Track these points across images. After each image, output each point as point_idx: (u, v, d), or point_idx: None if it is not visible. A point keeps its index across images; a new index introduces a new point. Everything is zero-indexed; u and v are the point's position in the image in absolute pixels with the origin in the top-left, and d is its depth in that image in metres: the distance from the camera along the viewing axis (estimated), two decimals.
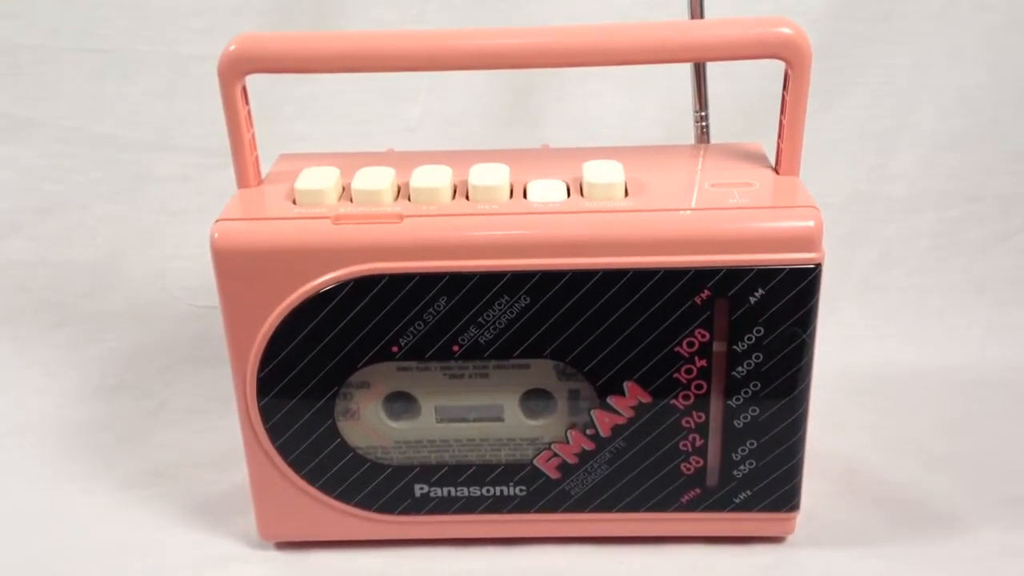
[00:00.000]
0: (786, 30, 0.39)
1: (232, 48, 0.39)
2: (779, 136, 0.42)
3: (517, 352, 0.40)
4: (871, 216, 0.66)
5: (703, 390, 0.40)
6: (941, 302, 0.65)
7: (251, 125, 0.41)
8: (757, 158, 0.44)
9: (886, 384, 0.58)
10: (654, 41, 0.40)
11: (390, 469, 0.43)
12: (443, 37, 0.40)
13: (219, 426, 0.54)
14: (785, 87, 0.41)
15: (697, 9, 0.46)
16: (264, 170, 0.44)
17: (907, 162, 0.66)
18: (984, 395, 0.56)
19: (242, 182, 0.42)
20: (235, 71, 0.39)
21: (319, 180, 0.41)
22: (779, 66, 0.40)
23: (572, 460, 0.42)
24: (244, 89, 0.40)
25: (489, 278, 0.38)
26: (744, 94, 0.61)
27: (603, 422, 0.41)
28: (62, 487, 0.50)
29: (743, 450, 0.41)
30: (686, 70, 0.47)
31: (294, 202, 0.40)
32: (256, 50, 0.39)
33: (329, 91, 0.66)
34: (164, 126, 0.66)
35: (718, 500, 0.42)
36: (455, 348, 0.40)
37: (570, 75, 0.65)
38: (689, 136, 0.49)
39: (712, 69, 0.48)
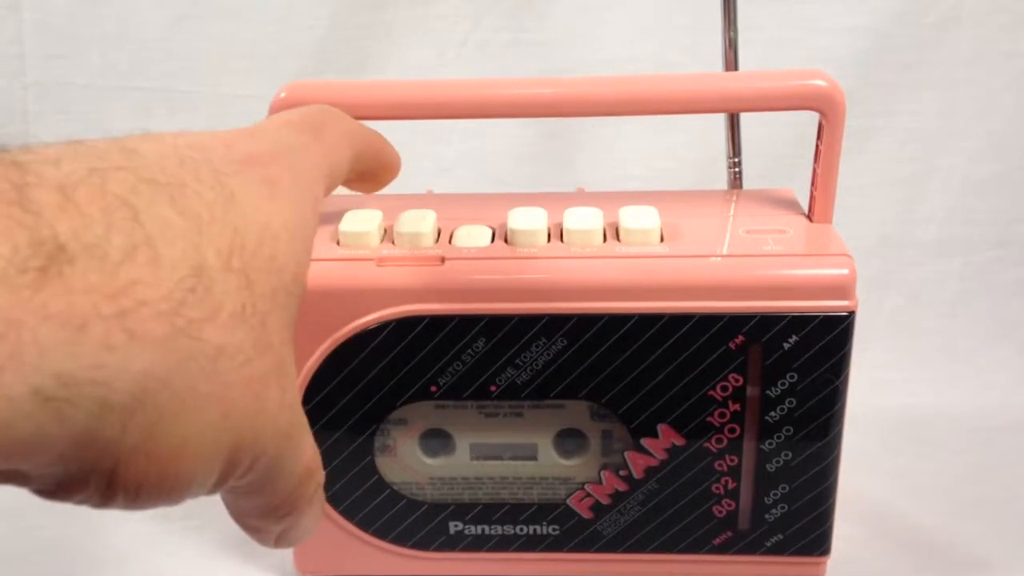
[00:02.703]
0: (821, 83, 0.40)
1: (283, 95, 0.40)
2: (812, 184, 0.43)
3: (553, 393, 0.41)
4: (900, 260, 0.67)
5: (736, 434, 0.41)
6: (969, 345, 0.65)
7: None
8: (790, 205, 0.45)
9: (914, 427, 0.58)
10: (692, 93, 0.41)
11: (425, 506, 0.43)
12: (484, 87, 0.41)
13: None
14: (819, 137, 0.41)
15: (731, 59, 0.47)
16: None
17: (935, 207, 0.67)
18: (1013, 439, 0.57)
19: None
20: None
21: (363, 222, 0.42)
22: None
23: (605, 501, 0.43)
24: None
25: (527, 321, 0.39)
26: (775, 137, 0.62)
27: (636, 463, 0.42)
28: (98, 518, 0.51)
29: (775, 494, 0.41)
30: (717, 114, 0.48)
31: (338, 243, 0.41)
32: (305, 97, 0.40)
33: None
34: None
35: (750, 543, 0.43)
36: (492, 388, 0.41)
37: (602, 117, 0.66)
38: (720, 177, 0.49)
39: (745, 114, 0.49)
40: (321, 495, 0.27)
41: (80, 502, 0.20)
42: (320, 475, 0.26)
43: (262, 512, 0.25)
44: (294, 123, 0.29)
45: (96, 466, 0.19)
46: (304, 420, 0.25)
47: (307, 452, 0.25)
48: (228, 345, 0.21)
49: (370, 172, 0.36)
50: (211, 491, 0.22)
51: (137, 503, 0.20)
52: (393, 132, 0.68)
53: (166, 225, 0.20)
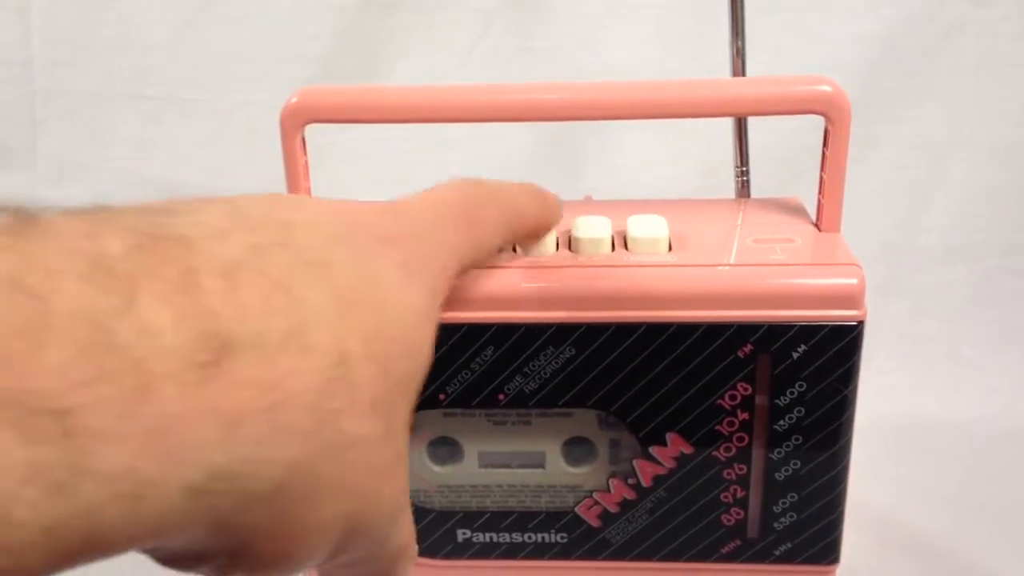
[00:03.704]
0: (826, 88, 0.40)
1: (294, 100, 0.41)
2: (819, 191, 0.43)
3: (561, 402, 0.41)
4: (905, 267, 0.67)
5: (745, 442, 0.41)
6: (974, 352, 0.65)
7: (308, 175, 0.43)
8: (798, 213, 0.45)
9: (920, 434, 0.58)
10: (698, 97, 0.41)
11: (433, 514, 0.43)
12: (493, 92, 0.41)
13: None
14: (825, 143, 0.42)
15: (739, 68, 0.48)
16: None
17: (941, 214, 0.67)
18: (1018, 446, 0.57)
19: None
20: (296, 122, 0.41)
21: None
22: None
23: (613, 509, 0.43)
24: (303, 140, 0.42)
25: (535, 329, 0.39)
26: (782, 144, 0.62)
27: (645, 472, 0.42)
28: None
29: (784, 503, 0.42)
30: (723, 118, 0.49)
31: None
32: (317, 103, 0.41)
33: (372, 136, 0.67)
34: (213, 170, 0.67)
35: (758, 552, 0.43)
36: (501, 397, 0.41)
37: (608, 122, 0.67)
38: (727, 182, 0.50)
39: (752, 119, 0.49)
40: (411, 570, 0.26)
41: (196, 572, 0.20)
42: (413, 552, 0.26)
43: None
44: (452, 207, 0.29)
45: (225, 546, 0.19)
46: (407, 500, 0.25)
47: (406, 530, 0.25)
48: (362, 435, 0.20)
49: (525, 238, 0.37)
50: (318, 565, 0.22)
51: None
52: (400, 137, 0.68)
53: (317, 309, 0.20)
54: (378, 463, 0.21)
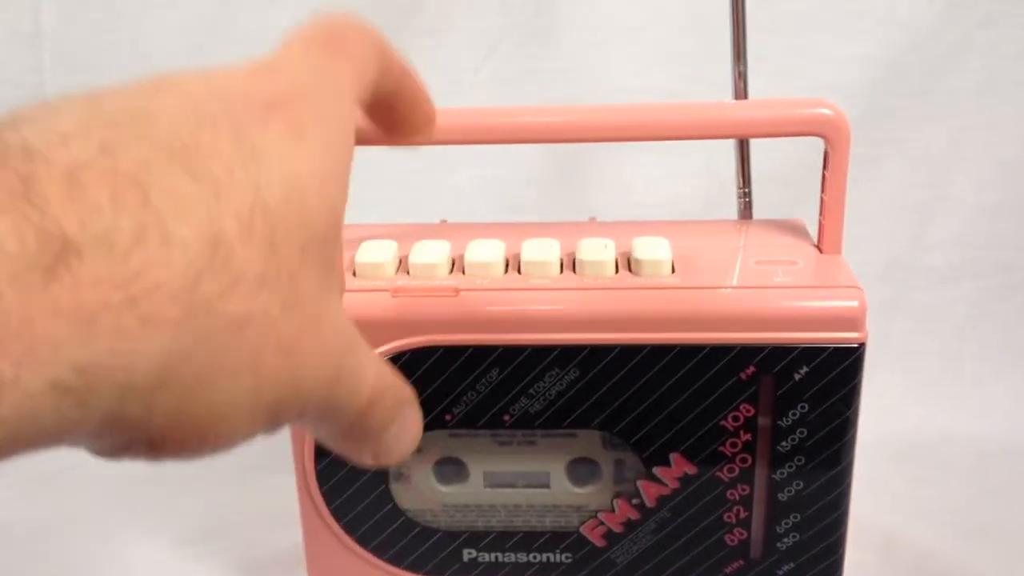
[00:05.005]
0: (826, 111, 0.41)
1: None
2: (820, 213, 0.43)
3: (566, 423, 0.41)
4: (908, 285, 0.67)
5: (748, 463, 0.41)
6: (977, 370, 0.65)
7: None
8: (800, 235, 0.45)
9: (923, 452, 0.59)
10: (699, 120, 0.42)
11: (440, 534, 0.44)
12: (501, 115, 0.42)
13: (274, 485, 0.55)
14: (825, 165, 0.42)
15: (741, 90, 0.48)
16: None
17: (943, 232, 0.67)
18: (1021, 463, 0.57)
19: None
20: None
21: (378, 253, 0.42)
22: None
23: (618, 529, 0.43)
24: None
25: (540, 351, 0.40)
26: (784, 164, 0.63)
27: (649, 492, 0.42)
28: (118, 538, 0.51)
29: (787, 523, 0.42)
30: (725, 140, 0.49)
31: (354, 274, 0.42)
32: None
33: (380, 156, 0.68)
34: None
35: (762, 572, 0.43)
36: (506, 417, 0.41)
37: (612, 144, 0.67)
38: (728, 202, 0.50)
39: (755, 144, 0.49)
40: (403, 413, 0.26)
41: (135, 460, 0.21)
42: (389, 398, 0.25)
43: (335, 440, 0.26)
44: (315, 41, 0.27)
45: (132, 437, 0.20)
46: (359, 357, 0.25)
47: (365, 384, 0.25)
48: (252, 313, 0.20)
49: (400, 105, 0.32)
50: (267, 435, 0.23)
51: (184, 458, 0.21)
52: (407, 156, 0.68)
53: (179, 199, 0.20)
54: (281, 336, 0.21)
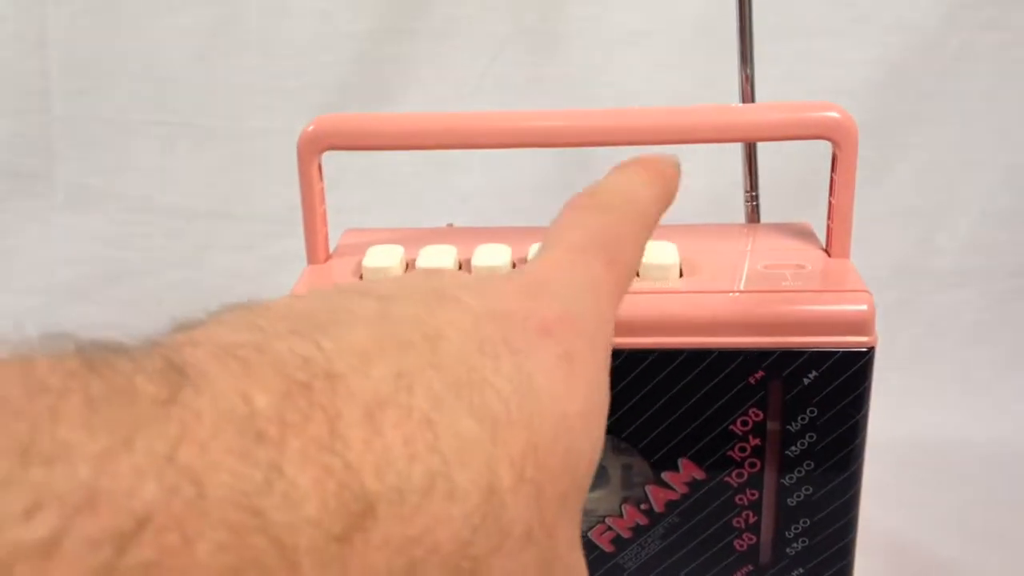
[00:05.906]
0: (834, 114, 0.41)
1: (311, 128, 0.41)
2: (828, 217, 0.43)
3: None
4: (918, 289, 0.67)
5: (757, 468, 0.41)
6: (987, 375, 0.65)
7: (323, 201, 0.43)
8: (807, 238, 0.45)
9: (933, 457, 0.58)
10: (706, 123, 0.42)
11: None
12: (508, 119, 0.42)
13: None
14: (833, 168, 0.42)
15: (748, 94, 0.48)
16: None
17: (953, 237, 0.67)
18: None
19: (312, 257, 0.44)
20: (313, 148, 0.41)
21: (385, 258, 0.42)
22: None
23: (626, 534, 0.43)
24: (320, 166, 0.42)
25: None
26: (792, 167, 0.63)
27: (657, 497, 0.42)
28: None
29: (796, 528, 0.42)
30: (733, 144, 0.49)
31: (361, 279, 0.42)
32: (334, 130, 0.41)
33: (387, 161, 0.68)
34: (228, 196, 0.68)
35: None
36: None
37: (619, 148, 0.67)
38: (735, 206, 0.50)
39: (762, 147, 0.49)
40: None
41: None
42: None
43: None
44: (587, 251, 0.25)
45: None
46: None
47: None
48: (512, 573, 0.18)
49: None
50: None
51: None
52: (414, 162, 0.69)
53: (464, 439, 0.18)
54: None
